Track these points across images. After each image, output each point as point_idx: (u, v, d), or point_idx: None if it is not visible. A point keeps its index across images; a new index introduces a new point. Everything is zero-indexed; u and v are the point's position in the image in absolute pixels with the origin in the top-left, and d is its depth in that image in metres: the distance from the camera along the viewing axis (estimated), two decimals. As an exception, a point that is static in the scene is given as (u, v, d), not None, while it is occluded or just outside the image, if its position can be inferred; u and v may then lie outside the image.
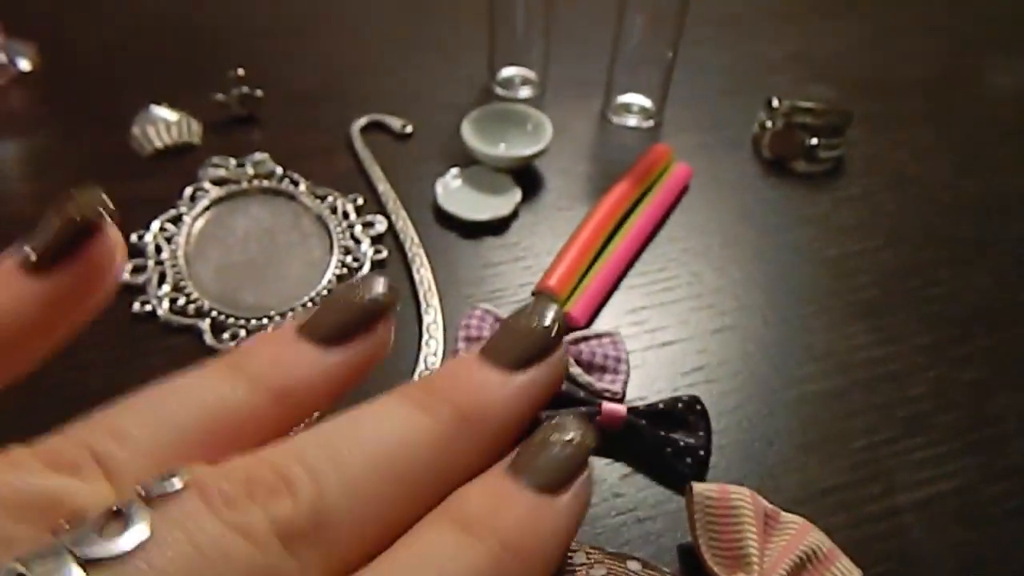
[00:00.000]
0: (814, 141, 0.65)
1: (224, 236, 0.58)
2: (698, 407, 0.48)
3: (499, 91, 0.72)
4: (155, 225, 0.57)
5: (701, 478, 0.46)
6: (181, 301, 0.53)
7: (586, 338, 0.52)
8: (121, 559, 0.14)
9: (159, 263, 0.55)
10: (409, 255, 0.57)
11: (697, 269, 0.59)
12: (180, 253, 0.56)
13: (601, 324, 0.54)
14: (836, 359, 0.53)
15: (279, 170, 0.62)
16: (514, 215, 0.61)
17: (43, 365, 0.41)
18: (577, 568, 0.40)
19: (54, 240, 0.20)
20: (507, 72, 0.72)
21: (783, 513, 0.42)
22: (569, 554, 0.42)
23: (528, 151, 0.62)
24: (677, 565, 0.43)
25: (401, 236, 0.58)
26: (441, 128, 0.67)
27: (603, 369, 0.51)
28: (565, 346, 0.21)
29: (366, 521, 0.16)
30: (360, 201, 0.60)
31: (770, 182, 0.66)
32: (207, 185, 0.60)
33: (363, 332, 0.20)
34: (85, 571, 0.14)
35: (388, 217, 0.60)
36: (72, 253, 0.20)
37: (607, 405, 0.47)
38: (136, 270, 0.55)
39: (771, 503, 0.42)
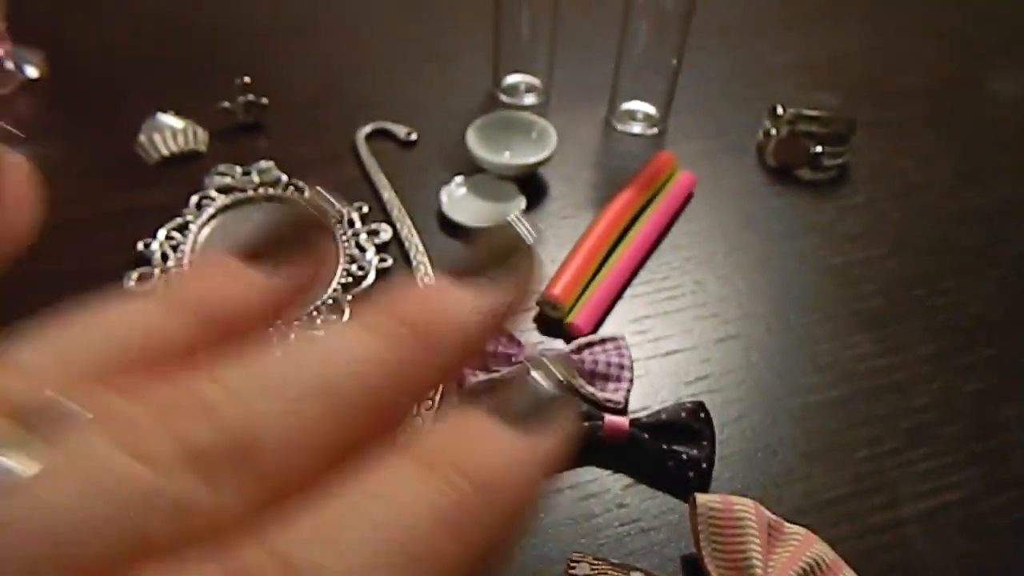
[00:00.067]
0: (819, 149, 0.65)
1: (230, 244, 0.58)
2: (702, 415, 0.48)
3: (504, 98, 0.72)
4: (161, 233, 0.58)
5: (705, 489, 0.46)
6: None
7: (590, 344, 0.52)
8: (5, 497, 0.13)
9: (165, 271, 0.55)
10: (414, 263, 0.57)
11: (701, 278, 0.59)
12: (186, 262, 0.56)
13: (604, 333, 0.54)
14: (840, 369, 0.53)
15: (284, 178, 0.62)
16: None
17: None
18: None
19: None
20: (512, 79, 0.72)
21: (787, 524, 0.42)
22: (572, 564, 0.42)
23: (533, 159, 0.63)
24: (680, 576, 0.43)
25: (406, 244, 0.59)
26: (446, 135, 0.68)
27: (606, 377, 0.51)
28: (534, 259, 0.20)
29: (300, 449, 0.15)
30: (365, 209, 0.61)
31: (774, 190, 0.66)
32: (213, 193, 0.61)
33: (297, 250, 0.18)
34: None
35: (393, 225, 0.60)
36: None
37: (610, 418, 0.47)
38: (142, 278, 0.55)
39: (774, 513, 0.43)
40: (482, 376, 0.49)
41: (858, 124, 0.67)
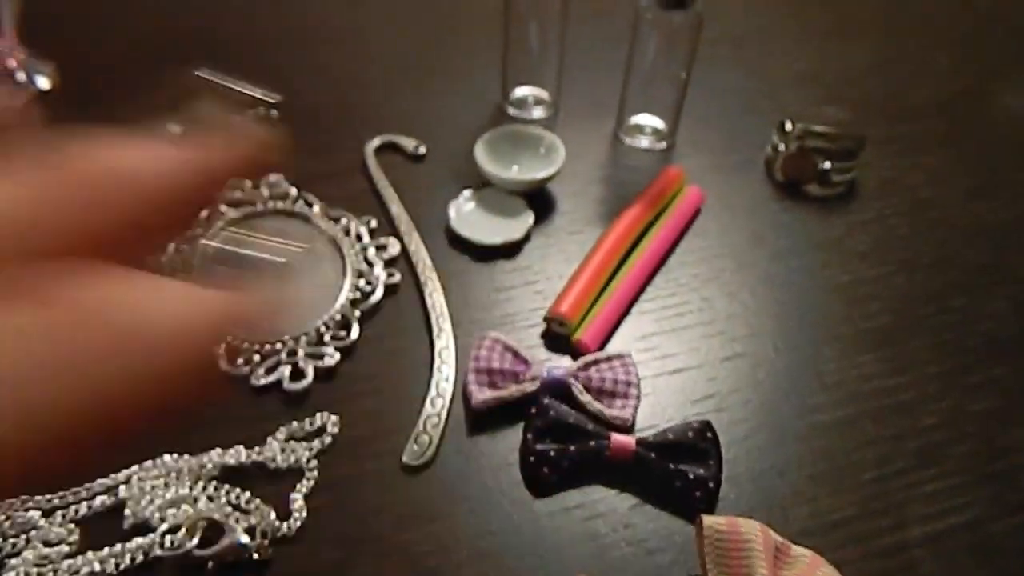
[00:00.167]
0: (827, 165, 0.65)
1: (239, 258, 0.58)
2: (709, 434, 0.48)
3: (512, 111, 0.72)
4: (171, 247, 0.58)
5: (711, 509, 0.46)
6: (195, 324, 0.53)
7: (596, 362, 0.52)
8: None
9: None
10: (421, 279, 0.57)
11: (708, 295, 0.59)
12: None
13: (611, 350, 0.54)
14: (847, 388, 0.53)
15: (293, 191, 0.62)
16: (526, 238, 0.61)
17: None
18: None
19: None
20: (520, 92, 0.72)
21: (793, 546, 0.42)
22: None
23: (541, 174, 0.63)
24: (686, 598, 0.43)
25: (414, 259, 0.59)
26: (454, 149, 0.68)
27: (613, 395, 0.51)
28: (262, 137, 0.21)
29: None
30: (373, 223, 0.61)
31: (783, 205, 0.66)
32: (223, 207, 0.61)
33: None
34: None
35: (401, 239, 0.60)
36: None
37: (616, 438, 0.47)
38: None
39: (780, 535, 0.42)
40: (489, 393, 0.49)
41: (867, 140, 0.67)
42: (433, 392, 0.51)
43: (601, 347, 0.54)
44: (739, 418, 0.51)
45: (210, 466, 0.46)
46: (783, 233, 0.64)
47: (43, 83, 0.70)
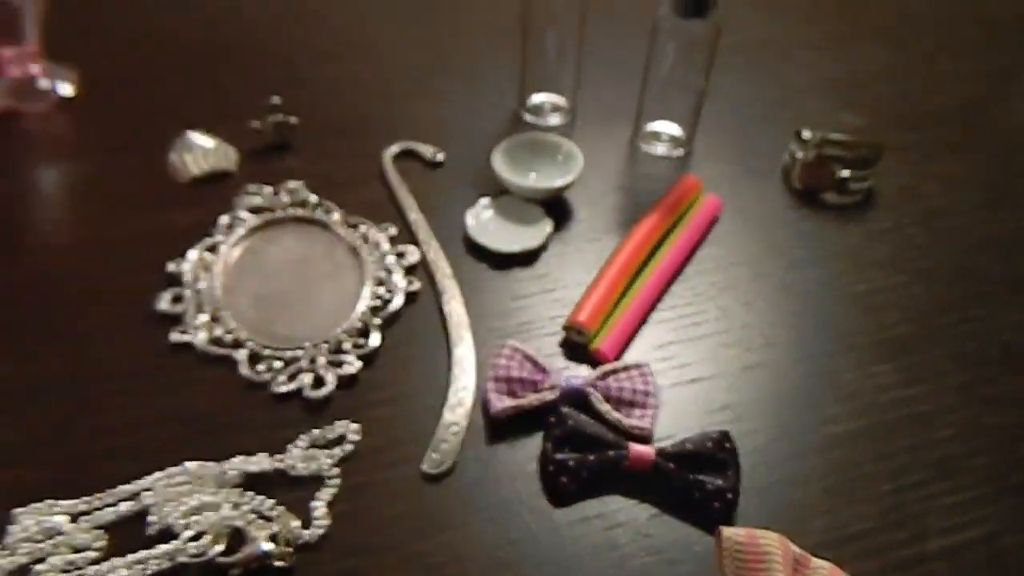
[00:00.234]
0: (845, 173, 0.65)
1: (260, 266, 0.59)
2: (727, 445, 0.48)
3: (529, 118, 0.73)
4: (192, 254, 0.58)
5: (730, 519, 0.46)
6: (218, 331, 0.54)
7: (615, 371, 0.52)
8: None
9: (196, 293, 0.56)
10: (439, 287, 0.58)
11: (724, 304, 0.59)
12: (217, 283, 0.57)
13: (629, 360, 0.54)
14: (864, 399, 0.53)
15: (313, 198, 0.63)
16: (544, 246, 0.61)
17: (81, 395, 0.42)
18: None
19: None
20: (537, 99, 0.72)
21: (812, 558, 0.42)
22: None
23: (559, 182, 0.63)
24: (704, 609, 0.43)
25: (432, 267, 0.59)
26: (472, 156, 0.68)
27: (631, 404, 0.51)
28: None
29: None
30: (392, 231, 0.61)
31: (800, 214, 0.66)
32: (243, 214, 0.61)
33: None
34: None
35: (419, 247, 0.60)
36: None
37: (635, 448, 0.47)
38: (175, 300, 0.56)
39: (797, 547, 0.43)
40: (508, 402, 0.50)
41: (885, 149, 0.67)
42: (452, 400, 0.51)
43: (619, 356, 0.55)
44: (756, 428, 0.51)
45: (233, 473, 0.46)
46: (800, 242, 0.64)
47: (66, 90, 0.71)
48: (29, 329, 0.54)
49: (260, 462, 0.47)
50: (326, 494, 0.46)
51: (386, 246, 0.60)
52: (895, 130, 0.73)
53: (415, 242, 0.61)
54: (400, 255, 0.60)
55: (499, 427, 0.50)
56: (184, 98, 0.73)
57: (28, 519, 0.44)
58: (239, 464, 0.47)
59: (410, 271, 0.59)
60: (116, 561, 0.42)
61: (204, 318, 0.55)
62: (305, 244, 0.60)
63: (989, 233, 0.65)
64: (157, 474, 0.46)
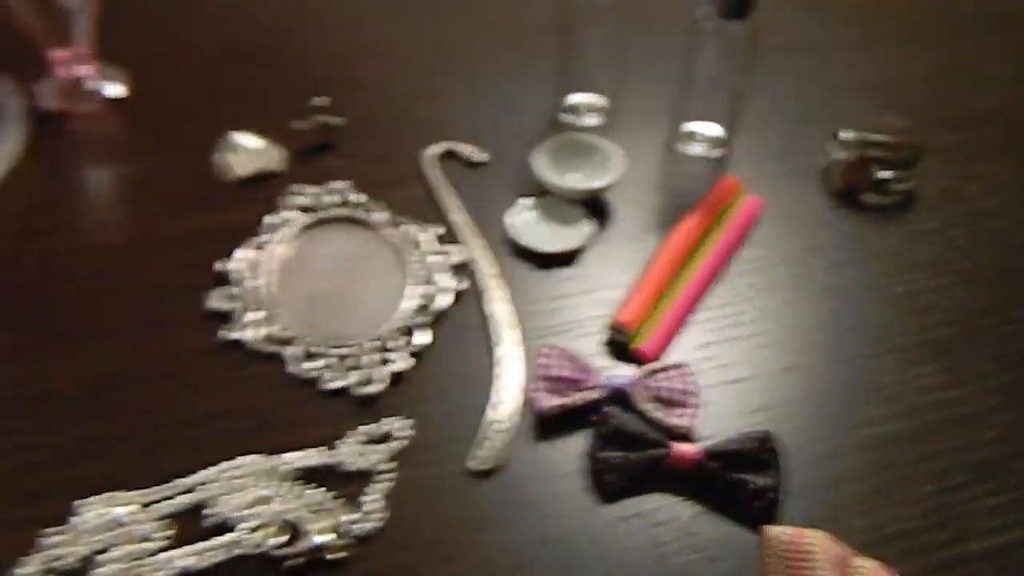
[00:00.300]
0: (886, 174, 0.65)
1: (307, 265, 0.60)
2: (770, 444, 0.48)
3: (569, 118, 0.73)
4: (240, 253, 0.60)
5: (773, 518, 0.47)
6: (268, 329, 0.55)
7: (656, 371, 0.53)
8: None
9: (246, 291, 0.57)
10: (482, 286, 0.59)
11: (763, 304, 0.59)
12: (266, 282, 0.58)
13: (670, 360, 0.55)
14: (905, 401, 0.53)
15: (359, 198, 0.64)
16: (585, 246, 0.62)
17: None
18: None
19: None
20: (577, 99, 0.73)
21: (857, 557, 0.43)
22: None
23: (600, 183, 0.64)
24: (748, 607, 0.44)
25: (475, 266, 0.60)
26: (511, 156, 0.69)
27: (673, 403, 0.51)
28: None
29: None
30: (437, 231, 0.62)
31: (839, 214, 0.66)
32: (290, 213, 0.63)
33: None
34: None
35: (462, 247, 0.61)
36: None
37: (678, 446, 0.48)
38: (224, 298, 0.57)
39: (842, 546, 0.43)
40: (554, 401, 0.51)
41: (926, 150, 0.67)
42: (495, 399, 0.52)
43: (659, 356, 0.55)
44: (796, 428, 0.52)
45: (286, 468, 0.48)
46: (840, 243, 0.64)
47: (117, 91, 0.73)
48: (84, 327, 0.56)
49: (312, 457, 0.48)
50: (379, 488, 0.47)
51: (431, 246, 0.61)
52: (937, 131, 0.73)
53: (458, 242, 0.62)
54: (445, 255, 0.61)
55: (543, 425, 0.51)
56: (232, 98, 0.75)
57: (91, 511, 0.45)
58: (292, 459, 0.48)
59: (454, 270, 0.60)
60: (175, 552, 0.44)
61: (254, 316, 0.56)
62: (351, 244, 0.62)
63: (1032, 234, 0.65)
64: (212, 468, 0.48)
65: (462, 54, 0.81)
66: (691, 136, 0.71)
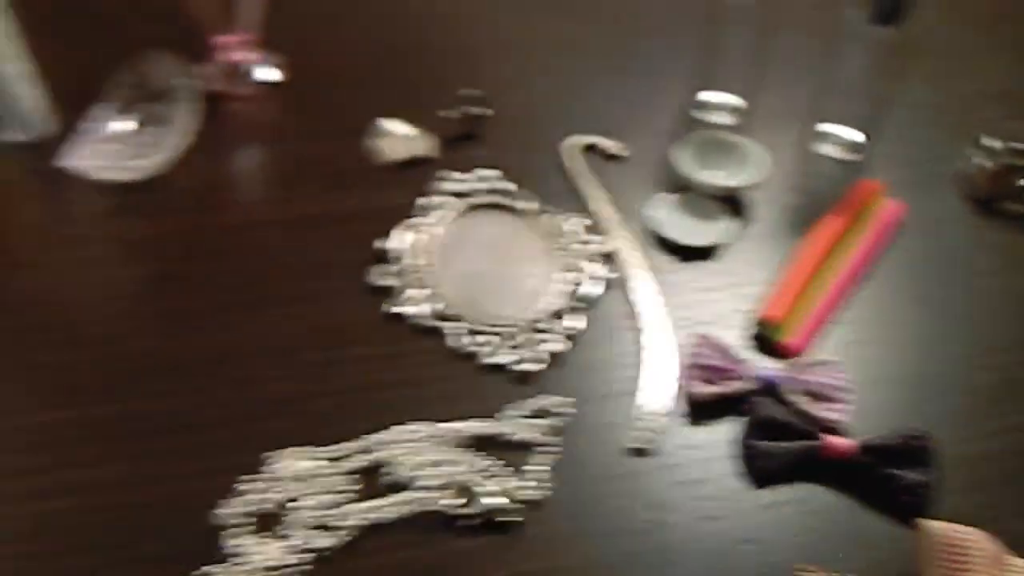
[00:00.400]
0: (1030, 183, 0.65)
1: (462, 247, 0.63)
2: (925, 443, 0.50)
3: (707, 117, 0.74)
4: (398, 232, 0.63)
5: (922, 516, 0.48)
6: (428, 305, 0.59)
7: (806, 365, 0.54)
8: None
9: (406, 268, 0.61)
10: (627, 276, 0.61)
11: (906, 309, 0.60)
12: (424, 261, 0.61)
13: (818, 356, 0.56)
14: (1055, 408, 0.54)
15: (508, 186, 0.67)
16: (726, 242, 0.64)
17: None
18: None
19: None
20: (715, 98, 0.74)
21: (1012, 557, 0.44)
22: (798, 574, 0.45)
23: (743, 181, 0.65)
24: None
25: (620, 257, 0.62)
26: (647, 150, 0.71)
27: (821, 398, 0.53)
28: None
29: None
30: (583, 221, 0.65)
31: (981, 222, 0.66)
32: (443, 198, 0.66)
33: None
34: None
35: (607, 237, 0.64)
36: None
37: (831, 439, 0.50)
38: (384, 274, 0.61)
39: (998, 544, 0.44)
40: (707, 388, 0.53)
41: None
42: (647, 383, 0.55)
43: (804, 352, 0.57)
44: (941, 429, 0.52)
45: (455, 435, 0.51)
46: (982, 250, 0.64)
47: (276, 76, 0.77)
48: (260, 297, 0.60)
49: (478, 426, 0.51)
50: (546, 459, 0.50)
51: (579, 235, 0.64)
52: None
53: (603, 232, 0.64)
54: (591, 244, 0.63)
55: (696, 411, 0.53)
56: (385, 87, 0.78)
57: (280, 463, 0.49)
58: (460, 427, 0.51)
59: (603, 259, 0.62)
60: (361, 505, 0.48)
61: (414, 292, 0.60)
62: (502, 229, 0.65)
63: None
64: (384, 432, 0.51)
65: (606, 50, 0.82)
66: (828, 139, 0.72)
